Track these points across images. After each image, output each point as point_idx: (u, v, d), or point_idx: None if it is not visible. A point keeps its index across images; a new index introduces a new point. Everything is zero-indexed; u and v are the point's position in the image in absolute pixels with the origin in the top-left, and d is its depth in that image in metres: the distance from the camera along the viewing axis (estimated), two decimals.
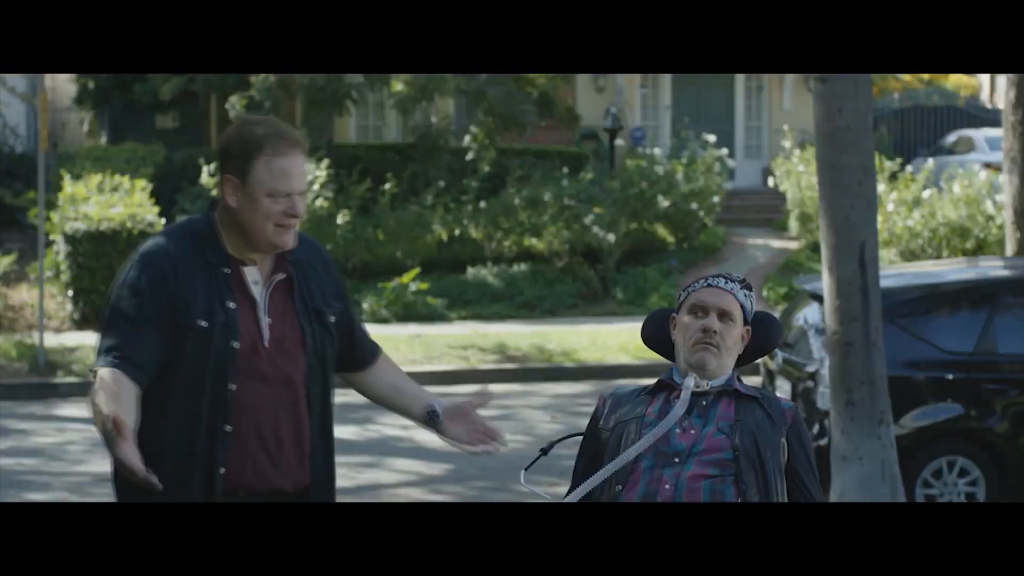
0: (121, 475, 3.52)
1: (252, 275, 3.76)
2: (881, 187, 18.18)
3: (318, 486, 3.83)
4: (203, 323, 3.66)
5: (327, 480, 3.87)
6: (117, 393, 3.53)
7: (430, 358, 13.97)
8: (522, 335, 15.22)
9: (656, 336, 4.03)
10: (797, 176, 20.32)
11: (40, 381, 13.30)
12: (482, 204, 18.77)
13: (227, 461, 3.68)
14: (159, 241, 3.79)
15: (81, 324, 15.87)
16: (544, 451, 4.06)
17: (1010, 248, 12.62)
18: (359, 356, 4.03)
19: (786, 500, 3.75)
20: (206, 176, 18.58)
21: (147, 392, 3.65)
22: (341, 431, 10.34)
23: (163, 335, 3.66)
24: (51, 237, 16.55)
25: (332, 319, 3.85)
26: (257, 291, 3.76)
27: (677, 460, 3.69)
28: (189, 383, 3.66)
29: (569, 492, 3.81)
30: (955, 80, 32.33)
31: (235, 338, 3.68)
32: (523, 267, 18.22)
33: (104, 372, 3.59)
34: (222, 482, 3.69)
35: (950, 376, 8.54)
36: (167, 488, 3.57)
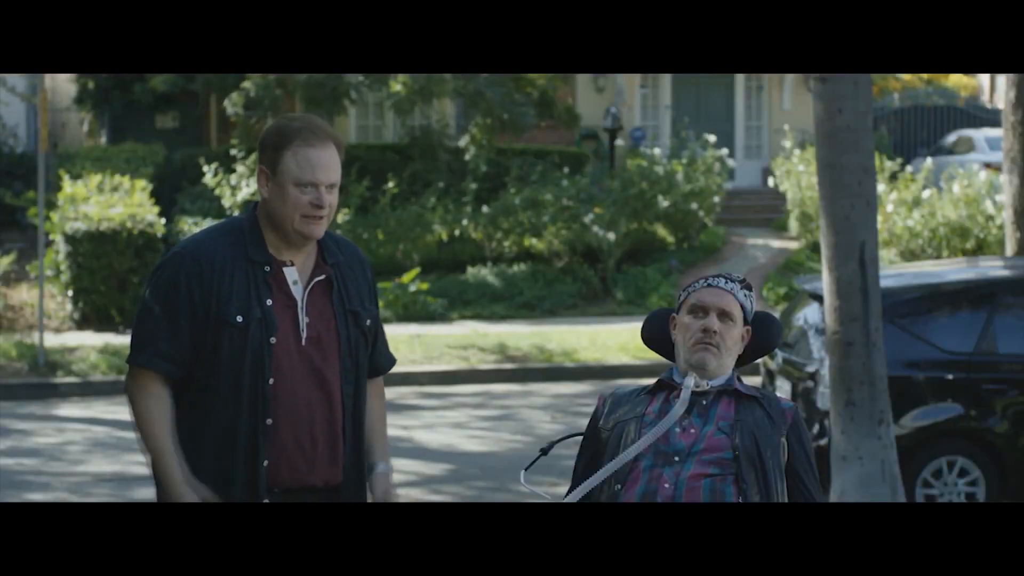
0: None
1: (292, 275, 3.83)
2: (881, 187, 18.17)
3: (348, 484, 3.88)
4: (239, 319, 3.74)
5: (357, 479, 3.91)
6: (161, 416, 3.75)
7: (430, 358, 13.97)
8: (522, 335, 15.22)
9: (656, 336, 4.03)
10: (797, 176, 20.31)
11: (40, 381, 13.30)
12: (485, 208, 18.76)
13: (269, 454, 3.75)
14: (198, 238, 3.88)
15: (81, 324, 15.88)
16: (544, 451, 4.06)
17: (1010, 248, 12.62)
18: (373, 365, 4.06)
19: (786, 500, 3.75)
20: (208, 177, 18.57)
21: (187, 391, 3.79)
22: None
23: (194, 330, 3.75)
24: (51, 237, 16.54)
25: (368, 323, 3.93)
26: (296, 290, 3.83)
27: (677, 459, 3.69)
28: (227, 379, 3.74)
29: (569, 492, 3.81)
30: (955, 80, 32.32)
31: (273, 334, 3.75)
32: (523, 267, 18.22)
33: (142, 378, 3.77)
34: (265, 475, 3.75)
35: (950, 376, 8.53)
36: (210, 485, 3.72)
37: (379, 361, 4.06)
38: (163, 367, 3.76)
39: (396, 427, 11.21)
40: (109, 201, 16.34)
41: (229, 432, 3.74)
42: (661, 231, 19.60)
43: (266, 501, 3.75)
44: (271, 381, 3.74)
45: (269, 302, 3.77)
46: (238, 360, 3.73)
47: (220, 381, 3.74)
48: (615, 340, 14.69)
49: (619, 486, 3.70)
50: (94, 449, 10.67)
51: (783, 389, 9.04)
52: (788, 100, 24.88)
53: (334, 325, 3.84)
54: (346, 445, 3.86)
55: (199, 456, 3.76)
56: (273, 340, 3.75)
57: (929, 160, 20.69)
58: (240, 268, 3.77)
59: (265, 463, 3.75)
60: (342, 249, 3.94)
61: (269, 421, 3.74)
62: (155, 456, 3.76)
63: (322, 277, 3.86)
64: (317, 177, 3.77)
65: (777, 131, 24.03)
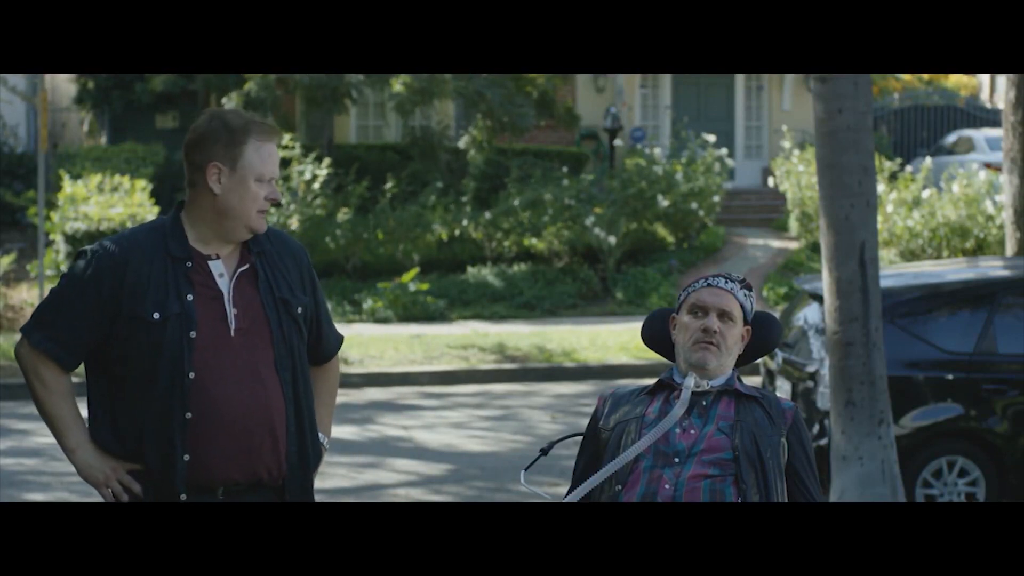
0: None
1: (217, 268, 3.84)
2: (881, 187, 18.18)
3: (292, 475, 3.85)
4: (155, 315, 3.74)
5: (301, 469, 3.87)
6: (53, 399, 3.86)
7: (430, 358, 13.96)
8: (522, 335, 15.22)
9: (656, 336, 4.03)
10: (797, 176, 20.32)
11: None
12: (485, 208, 18.77)
13: (192, 448, 3.73)
14: (120, 235, 3.89)
15: None
16: (544, 451, 4.06)
17: (1010, 248, 12.62)
18: (321, 352, 4.08)
19: (786, 500, 3.75)
20: None
21: (106, 385, 3.83)
22: (341, 431, 10.37)
23: (99, 324, 3.77)
24: (51, 237, 16.55)
25: (299, 310, 3.91)
26: (223, 283, 3.83)
27: (677, 460, 3.69)
28: (146, 374, 3.74)
29: (569, 492, 3.81)
30: (955, 80, 32.33)
31: (192, 328, 3.75)
32: (523, 267, 18.23)
33: (34, 357, 3.82)
34: (185, 469, 3.73)
35: (950, 376, 8.53)
36: (133, 475, 3.76)
37: (325, 347, 4.07)
38: (54, 351, 3.80)
39: (396, 427, 11.20)
40: (109, 201, 16.35)
41: (146, 426, 3.74)
42: (661, 231, 19.61)
43: (183, 497, 3.73)
44: (191, 375, 3.73)
45: (190, 297, 3.77)
46: (155, 356, 3.73)
47: (140, 376, 3.75)
48: (615, 340, 14.69)
49: (619, 487, 3.70)
50: None
51: (783, 389, 9.04)
52: (788, 100, 24.88)
53: (263, 314, 3.83)
54: (288, 433, 3.83)
55: (122, 448, 3.78)
56: (193, 334, 3.74)
57: (929, 160, 20.69)
58: (159, 264, 3.78)
59: (186, 457, 3.73)
60: (270, 238, 3.94)
61: (189, 415, 3.72)
62: (52, 430, 3.87)
63: (246, 267, 3.86)
64: (275, 172, 3.85)
65: (777, 131, 24.03)
